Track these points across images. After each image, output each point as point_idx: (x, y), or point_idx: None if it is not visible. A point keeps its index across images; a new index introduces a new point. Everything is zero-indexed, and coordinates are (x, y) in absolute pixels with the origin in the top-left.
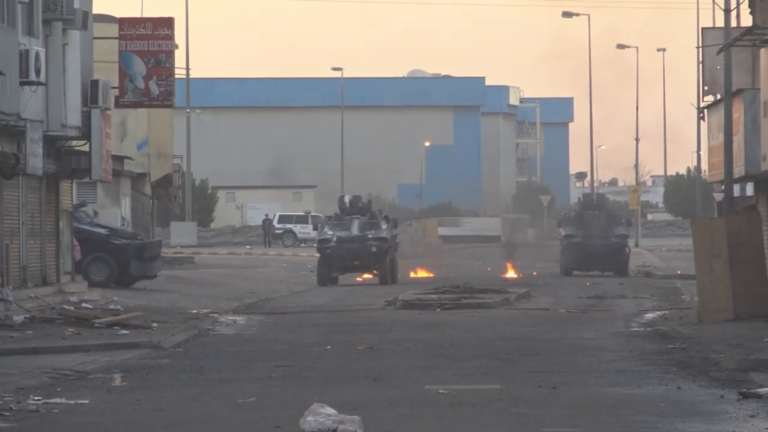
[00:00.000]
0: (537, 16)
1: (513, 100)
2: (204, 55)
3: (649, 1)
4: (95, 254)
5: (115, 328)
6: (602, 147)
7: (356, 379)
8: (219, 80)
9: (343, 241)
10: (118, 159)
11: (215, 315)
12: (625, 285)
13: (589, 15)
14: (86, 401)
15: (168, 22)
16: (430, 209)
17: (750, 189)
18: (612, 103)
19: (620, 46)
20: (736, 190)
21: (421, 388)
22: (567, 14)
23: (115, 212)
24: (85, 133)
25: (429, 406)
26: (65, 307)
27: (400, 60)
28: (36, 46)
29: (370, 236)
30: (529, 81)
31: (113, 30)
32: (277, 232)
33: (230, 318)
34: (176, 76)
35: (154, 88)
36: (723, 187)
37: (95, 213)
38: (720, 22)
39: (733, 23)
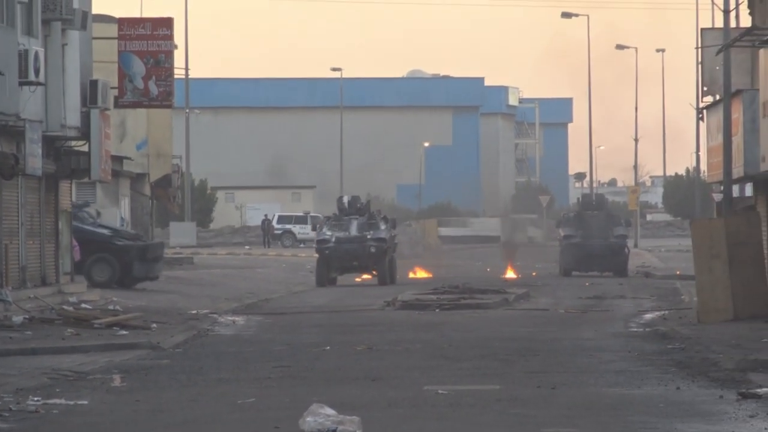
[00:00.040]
0: (536, 17)
1: (512, 101)
2: (203, 55)
3: (649, 2)
4: (98, 255)
5: (115, 328)
6: (601, 147)
7: (355, 380)
8: (218, 80)
9: (341, 242)
10: (118, 159)
11: (214, 315)
12: (625, 285)
13: (588, 15)
14: (85, 402)
15: (167, 23)
16: (429, 210)
17: (749, 189)
18: (612, 103)
19: (619, 47)
20: (735, 190)
21: (421, 388)
22: (566, 15)
23: (114, 213)
24: (85, 134)
25: (428, 407)
26: (64, 307)
27: (399, 60)
28: (35, 46)
29: (368, 237)
30: (528, 81)
31: (112, 30)
32: (276, 232)
33: (229, 318)
34: (175, 77)
35: (154, 89)
36: (722, 188)
37: (98, 213)
38: (719, 23)
39: (732, 24)
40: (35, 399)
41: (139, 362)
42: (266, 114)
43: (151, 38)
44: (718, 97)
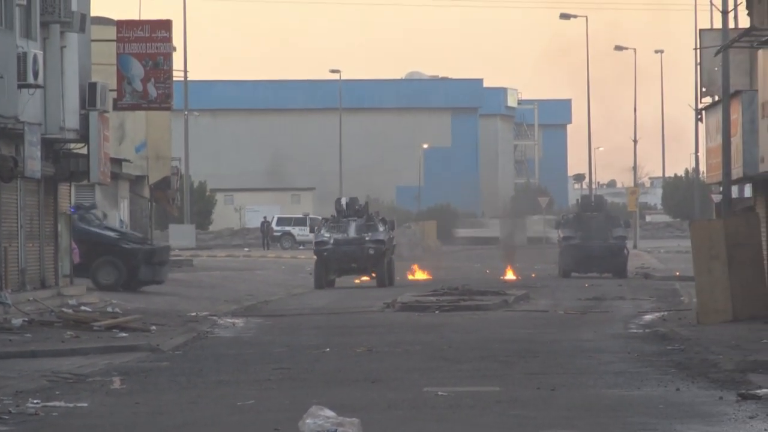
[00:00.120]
0: (535, 18)
1: (511, 102)
2: (202, 57)
3: (648, 3)
4: (105, 257)
5: (114, 331)
6: (600, 149)
7: (355, 382)
8: (217, 82)
9: (340, 244)
10: (117, 162)
11: (214, 318)
12: (624, 286)
13: (587, 17)
14: (85, 404)
15: (166, 25)
16: (429, 211)
17: (748, 190)
18: (611, 103)
19: (618, 48)
20: (735, 191)
21: (420, 390)
22: (565, 16)
23: (113, 215)
24: (84, 136)
25: (428, 408)
26: (64, 310)
27: (398, 62)
28: (34, 49)
29: (367, 238)
30: (527, 83)
31: (111, 32)
32: (275, 234)
33: (229, 321)
34: (174, 79)
35: (152, 91)
36: (721, 189)
37: (104, 215)
38: (718, 24)
39: (731, 24)
40: (35, 401)
41: (138, 364)
42: (265, 116)
43: (149, 40)
44: (717, 98)
